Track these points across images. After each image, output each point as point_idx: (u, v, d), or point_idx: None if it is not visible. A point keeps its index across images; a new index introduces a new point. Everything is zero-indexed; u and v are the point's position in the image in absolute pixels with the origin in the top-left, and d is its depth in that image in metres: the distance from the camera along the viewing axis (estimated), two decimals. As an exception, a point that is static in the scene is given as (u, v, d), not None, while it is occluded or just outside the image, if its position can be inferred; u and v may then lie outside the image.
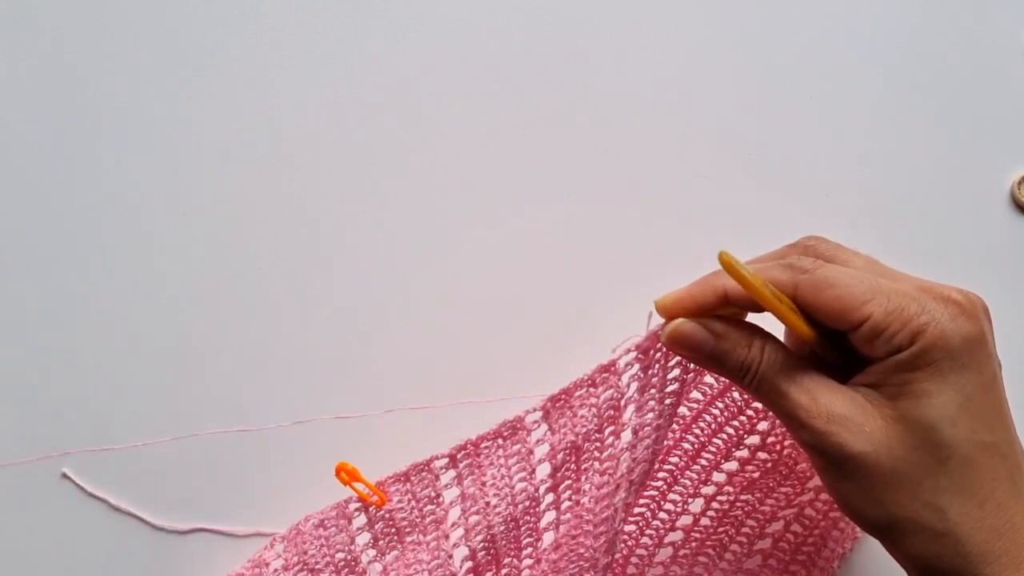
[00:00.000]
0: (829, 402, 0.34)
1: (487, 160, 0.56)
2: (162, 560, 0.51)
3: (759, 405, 0.44)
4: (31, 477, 0.52)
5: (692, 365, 0.40)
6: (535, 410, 0.43)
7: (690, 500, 0.47)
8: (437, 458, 0.45)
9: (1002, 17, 0.57)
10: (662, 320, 0.37)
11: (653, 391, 0.39)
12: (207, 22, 0.57)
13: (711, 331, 0.36)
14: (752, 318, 0.38)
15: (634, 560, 0.48)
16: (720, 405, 0.45)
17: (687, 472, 0.46)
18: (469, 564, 0.44)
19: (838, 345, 0.37)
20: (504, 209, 0.55)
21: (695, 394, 0.45)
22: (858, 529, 0.47)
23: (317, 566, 0.45)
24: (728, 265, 0.33)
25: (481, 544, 0.44)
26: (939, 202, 0.55)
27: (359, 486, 0.45)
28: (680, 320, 0.36)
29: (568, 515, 0.44)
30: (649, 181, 0.55)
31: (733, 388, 0.44)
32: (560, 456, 0.42)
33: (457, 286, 0.54)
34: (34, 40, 0.57)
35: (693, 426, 0.45)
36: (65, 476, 0.52)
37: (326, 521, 0.45)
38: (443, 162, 0.56)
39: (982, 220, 0.55)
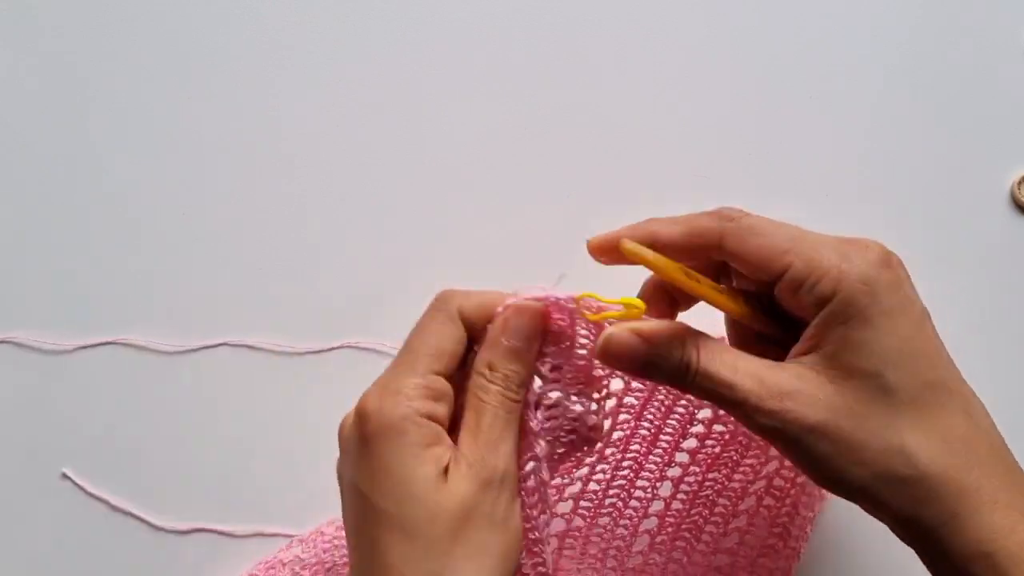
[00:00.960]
0: (776, 381, 0.34)
1: (487, 160, 0.56)
2: (162, 560, 0.51)
3: None
4: (31, 477, 0.52)
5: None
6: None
7: (658, 484, 0.46)
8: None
9: (1002, 17, 0.57)
10: (573, 293, 0.37)
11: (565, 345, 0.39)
12: (207, 22, 0.57)
13: (640, 336, 0.35)
14: (683, 317, 0.39)
15: (612, 552, 0.48)
16: (664, 388, 0.44)
17: (650, 457, 0.46)
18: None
19: (771, 316, 0.37)
20: (504, 209, 0.55)
21: (636, 384, 0.44)
22: (823, 491, 0.46)
23: (336, 565, 0.45)
24: (633, 254, 0.32)
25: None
26: (939, 202, 0.55)
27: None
28: (608, 331, 0.35)
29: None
30: (649, 181, 0.55)
31: None
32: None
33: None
34: (34, 40, 0.57)
35: (644, 412, 0.44)
36: (65, 476, 0.52)
37: None
38: (443, 162, 0.56)
39: (982, 220, 0.55)
